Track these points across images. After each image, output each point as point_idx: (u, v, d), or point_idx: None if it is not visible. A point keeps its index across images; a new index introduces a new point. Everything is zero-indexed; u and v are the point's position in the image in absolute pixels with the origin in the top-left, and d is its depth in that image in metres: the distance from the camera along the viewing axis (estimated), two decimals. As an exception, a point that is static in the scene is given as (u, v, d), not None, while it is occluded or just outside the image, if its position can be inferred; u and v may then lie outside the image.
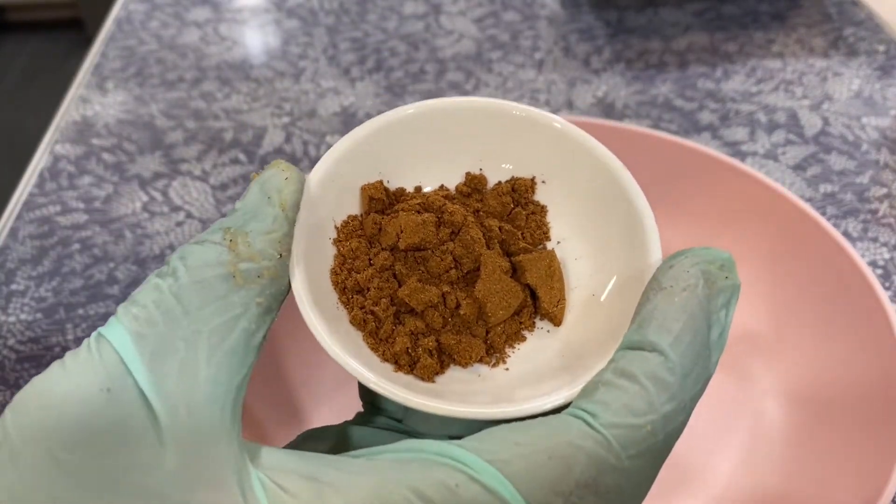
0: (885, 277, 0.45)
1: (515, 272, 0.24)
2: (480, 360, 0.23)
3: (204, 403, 0.18)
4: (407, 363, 0.23)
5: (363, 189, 0.25)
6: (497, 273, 0.23)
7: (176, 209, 0.51)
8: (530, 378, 0.23)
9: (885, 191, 0.50)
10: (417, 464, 0.18)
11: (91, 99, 0.61)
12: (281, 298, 0.21)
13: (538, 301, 0.24)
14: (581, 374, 0.21)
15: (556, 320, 0.24)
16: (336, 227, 0.24)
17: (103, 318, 0.44)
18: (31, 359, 0.42)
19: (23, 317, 0.45)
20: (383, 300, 0.23)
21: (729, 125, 0.55)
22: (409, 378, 0.22)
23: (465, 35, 0.65)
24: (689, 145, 0.44)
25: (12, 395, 0.41)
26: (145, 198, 0.52)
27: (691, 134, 0.55)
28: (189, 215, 0.51)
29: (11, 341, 0.43)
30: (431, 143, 0.26)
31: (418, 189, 0.26)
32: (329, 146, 0.57)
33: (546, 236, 0.26)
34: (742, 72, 0.60)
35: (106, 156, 0.56)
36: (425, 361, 0.22)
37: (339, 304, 0.23)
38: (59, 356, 0.45)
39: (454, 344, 0.23)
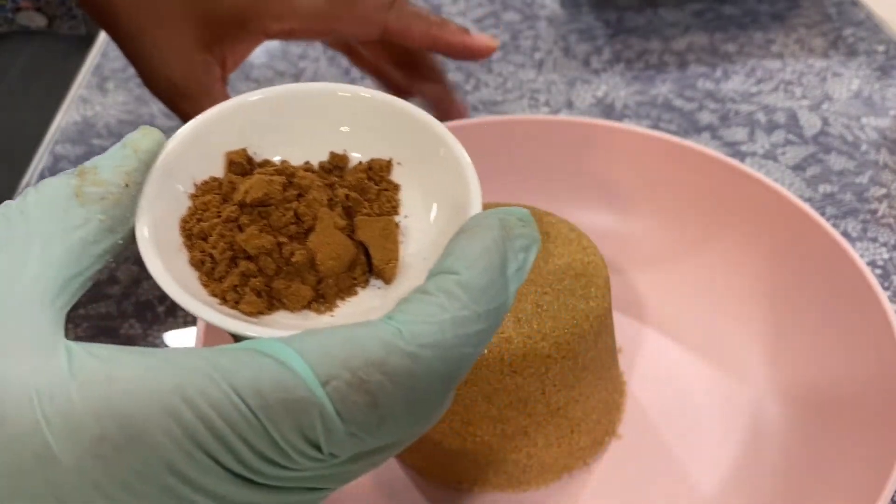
0: (884, 277, 0.45)
1: (351, 231, 0.26)
2: (309, 307, 0.25)
3: (25, 287, 0.20)
4: (233, 299, 0.24)
5: (226, 154, 0.27)
6: (331, 228, 0.25)
7: (176, 209, 0.51)
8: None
9: (884, 191, 0.50)
10: (227, 349, 0.20)
11: (91, 99, 0.61)
12: (128, 228, 0.23)
13: (371, 260, 0.26)
14: None
15: (387, 278, 0.25)
16: (195, 185, 0.26)
17: (104, 318, 0.44)
18: (32, 359, 0.42)
19: (23, 317, 0.45)
20: (222, 244, 0.25)
21: (728, 125, 0.56)
22: (234, 312, 0.24)
23: (465, 35, 0.65)
24: (688, 145, 0.44)
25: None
26: (146, 198, 0.52)
27: (691, 134, 0.55)
28: (189, 215, 0.51)
29: (12, 341, 0.43)
30: (300, 124, 0.28)
31: (284, 163, 0.27)
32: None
33: (395, 210, 0.27)
34: (742, 72, 0.60)
35: (106, 156, 0.56)
36: (250, 298, 0.24)
37: (182, 247, 0.25)
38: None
39: (283, 288, 0.24)
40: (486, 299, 0.21)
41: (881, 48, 0.62)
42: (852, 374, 0.36)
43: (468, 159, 0.26)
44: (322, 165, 0.28)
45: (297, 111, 0.28)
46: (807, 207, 0.40)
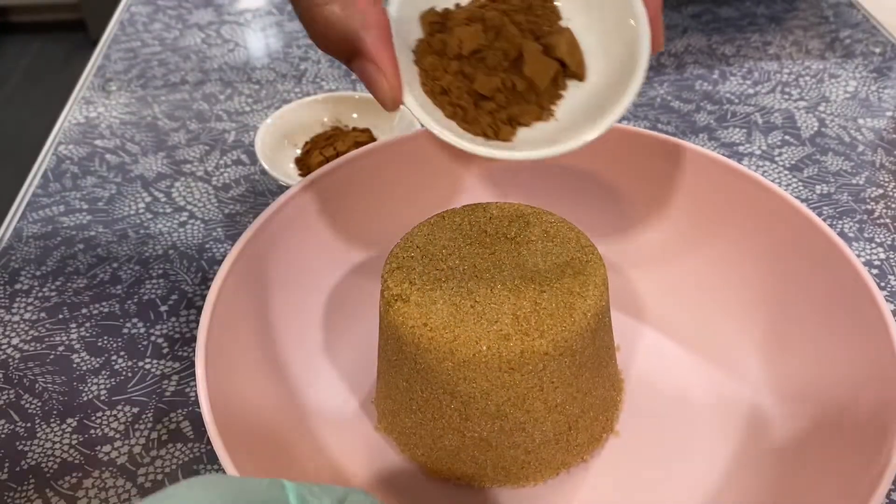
0: (880, 277, 0.45)
1: (546, 50, 0.32)
2: (538, 119, 0.32)
3: None
4: (493, 134, 0.31)
5: (421, 17, 0.32)
6: (536, 54, 0.32)
7: (179, 210, 0.52)
8: (577, 115, 0.32)
9: (880, 191, 0.51)
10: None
11: (94, 100, 0.62)
12: None
13: (566, 68, 0.33)
14: (607, 109, 0.32)
15: (581, 77, 0.33)
16: (412, 51, 0.32)
17: (107, 318, 0.45)
18: (35, 358, 0.43)
19: (27, 316, 0.45)
20: (465, 95, 0.31)
21: (726, 126, 0.56)
22: (495, 142, 0.31)
23: (465, 37, 0.65)
24: (686, 146, 0.44)
25: (17, 394, 0.41)
26: (148, 198, 0.53)
27: (689, 135, 0.55)
28: (192, 216, 0.51)
29: (16, 340, 0.44)
30: None
31: (458, 5, 0.33)
32: (330, 147, 0.57)
33: (558, 17, 0.33)
34: (739, 74, 0.60)
35: (109, 157, 0.56)
36: (505, 129, 0.32)
37: (433, 106, 0.32)
38: (64, 355, 0.45)
39: (518, 113, 0.32)
40: None
41: (878, 50, 0.62)
42: (849, 373, 0.36)
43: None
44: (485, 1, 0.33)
45: None
46: (804, 208, 0.40)
